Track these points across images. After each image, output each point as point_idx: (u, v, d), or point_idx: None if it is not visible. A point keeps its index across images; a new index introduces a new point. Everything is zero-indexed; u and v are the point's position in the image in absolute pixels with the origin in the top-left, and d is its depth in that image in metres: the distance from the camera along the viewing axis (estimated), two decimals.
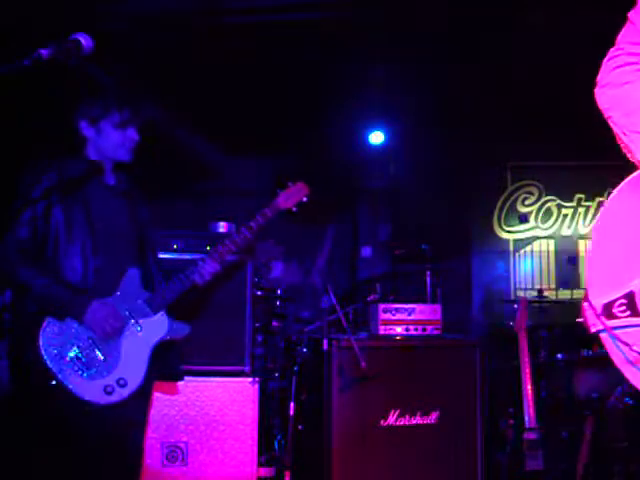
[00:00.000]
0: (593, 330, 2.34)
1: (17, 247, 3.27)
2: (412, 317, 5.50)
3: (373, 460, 5.18)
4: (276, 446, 5.86)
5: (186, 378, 4.80)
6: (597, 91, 2.45)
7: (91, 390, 3.26)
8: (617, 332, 2.28)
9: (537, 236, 8.12)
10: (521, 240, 8.14)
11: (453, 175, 8.00)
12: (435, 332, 5.55)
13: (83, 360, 3.29)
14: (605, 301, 2.32)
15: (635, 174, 2.39)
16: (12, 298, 3.56)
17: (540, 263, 8.08)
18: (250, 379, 4.92)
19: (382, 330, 5.44)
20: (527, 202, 8.15)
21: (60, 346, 3.26)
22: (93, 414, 3.27)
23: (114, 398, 3.30)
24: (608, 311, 2.31)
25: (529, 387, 5.32)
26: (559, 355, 5.89)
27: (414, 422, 5.28)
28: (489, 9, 5.59)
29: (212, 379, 4.86)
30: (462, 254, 8.02)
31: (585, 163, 7.61)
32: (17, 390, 3.45)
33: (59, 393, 3.23)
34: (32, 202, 3.31)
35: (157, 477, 4.71)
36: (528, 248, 8.12)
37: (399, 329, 5.47)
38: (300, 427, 5.62)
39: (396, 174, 8.31)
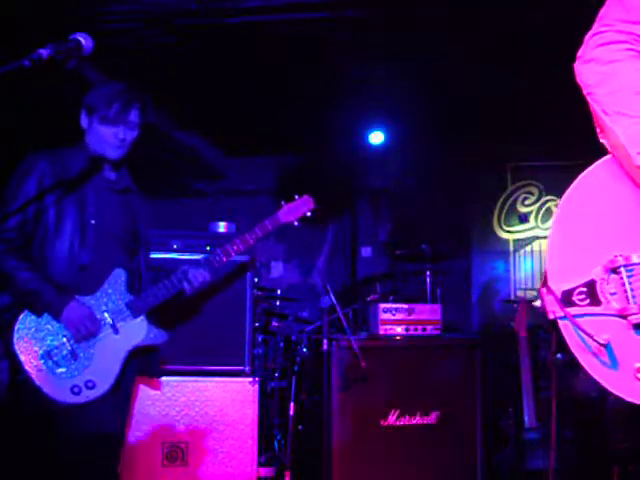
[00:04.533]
0: (552, 317, 2.33)
1: (3, 239, 3.24)
2: (412, 317, 5.50)
3: (373, 460, 5.18)
4: (276, 446, 5.87)
5: (186, 378, 4.82)
6: (579, 66, 2.37)
7: (58, 389, 3.24)
8: (578, 320, 2.28)
9: (537, 236, 8.13)
10: (521, 240, 8.14)
11: (453, 175, 8.02)
12: (435, 332, 5.54)
13: (54, 358, 3.26)
14: (565, 288, 2.32)
15: (601, 160, 2.43)
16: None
17: (540, 263, 8.08)
18: (250, 379, 4.91)
19: (382, 330, 5.44)
20: (527, 202, 8.15)
21: (33, 341, 3.24)
22: (59, 413, 3.25)
23: (80, 399, 3.26)
24: (567, 298, 2.31)
25: (529, 387, 5.32)
26: (559, 355, 5.89)
27: (414, 422, 5.28)
28: (489, 9, 5.58)
29: (212, 379, 4.85)
30: (462, 254, 8.03)
31: (585, 163, 7.60)
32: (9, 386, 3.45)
33: (27, 388, 3.22)
34: (22, 188, 3.28)
35: (157, 477, 4.70)
36: (528, 248, 8.12)
37: (399, 329, 5.47)
38: (300, 427, 5.62)
39: (396, 174, 8.32)
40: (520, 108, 7.06)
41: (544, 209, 8.10)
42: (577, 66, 2.37)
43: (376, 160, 8.28)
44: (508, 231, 8.15)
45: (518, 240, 8.15)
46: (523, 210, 8.15)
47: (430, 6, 5.59)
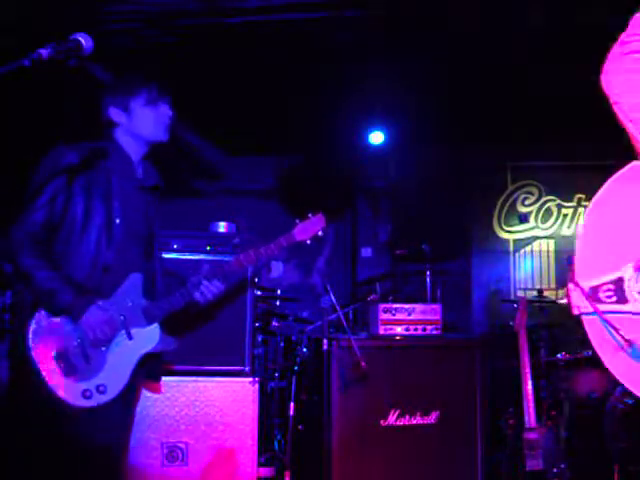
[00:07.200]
0: (576, 312, 2.31)
1: (27, 233, 3.17)
2: (412, 317, 5.50)
3: (373, 460, 5.18)
4: (276, 446, 5.87)
5: (186, 378, 4.82)
6: (605, 76, 2.35)
7: (69, 390, 3.20)
8: (607, 316, 2.26)
9: (537, 236, 8.14)
10: (521, 240, 8.15)
11: (453, 175, 8.03)
12: (435, 332, 5.54)
13: (68, 360, 3.23)
14: (592, 284, 2.30)
15: (633, 164, 2.37)
16: (13, 294, 3.50)
17: (540, 263, 8.08)
18: (250, 379, 4.91)
19: (382, 330, 5.44)
20: (527, 202, 8.16)
21: (48, 341, 3.20)
22: (68, 415, 3.23)
23: (90, 403, 3.22)
24: (594, 295, 2.28)
25: (529, 387, 5.32)
26: (559, 355, 5.89)
27: (414, 422, 5.28)
28: (488, 9, 5.58)
29: (212, 379, 4.85)
30: (462, 254, 8.03)
31: (585, 163, 7.62)
32: (11, 385, 3.43)
33: (38, 388, 3.20)
34: (50, 180, 3.23)
35: (157, 477, 4.70)
36: (528, 248, 8.13)
37: (399, 329, 5.47)
38: (300, 427, 5.62)
39: (396, 174, 8.32)
40: (521, 108, 7.06)
41: (544, 209, 8.11)
42: (603, 75, 2.36)
43: (376, 160, 8.29)
44: (508, 231, 8.15)
45: (518, 240, 8.16)
46: (523, 210, 8.15)
47: (430, 6, 5.60)
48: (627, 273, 2.26)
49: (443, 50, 6.14)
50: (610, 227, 2.33)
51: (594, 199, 2.38)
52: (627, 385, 2.27)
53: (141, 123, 3.49)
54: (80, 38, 2.43)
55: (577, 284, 2.31)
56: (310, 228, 3.88)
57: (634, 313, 2.25)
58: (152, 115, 3.49)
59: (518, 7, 5.50)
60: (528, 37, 5.86)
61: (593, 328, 2.30)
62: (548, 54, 6.05)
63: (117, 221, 3.37)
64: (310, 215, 3.90)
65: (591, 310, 2.29)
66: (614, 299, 2.27)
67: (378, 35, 6.07)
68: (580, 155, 7.70)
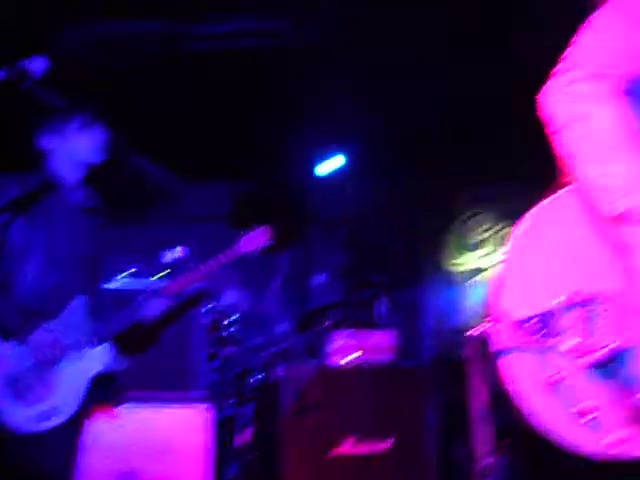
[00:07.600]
0: (497, 347, 2.12)
1: None
2: (365, 344, 5.50)
3: None
4: (230, 475, 5.81)
5: (140, 405, 4.77)
6: (547, 99, 2.10)
7: (21, 416, 3.19)
8: (526, 354, 2.10)
9: (490, 265, 8.18)
10: (474, 269, 8.19)
11: (407, 204, 8.08)
12: (389, 359, 5.55)
13: (18, 385, 3.22)
14: (517, 317, 2.12)
15: (563, 190, 2.27)
16: None
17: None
18: (204, 405, 4.87)
19: (335, 357, 5.44)
20: (481, 230, 8.21)
21: None
22: (17, 440, 3.20)
23: (42, 426, 3.22)
24: (520, 328, 2.11)
25: (482, 416, 5.34)
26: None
27: (368, 450, 5.27)
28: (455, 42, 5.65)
29: (166, 405, 4.81)
30: (415, 282, 8.06)
31: (543, 186, 7.69)
32: None
33: None
34: None
35: None
36: (481, 277, 8.17)
37: (352, 356, 5.46)
38: (253, 456, 5.58)
39: (351, 202, 8.36)
40: (472, 137, 7.14)
41: (498, 237, 8.17)
42: (545, 98, 2.10)
43: (331, 188, 8.32)
44: (461, 260, 8.20)
45: (471, 269, 8.20)
46: (477, 239, 8.21)
47: (392, 30, 5.65)
48: (555, 308, 2.11)
49: (396, 82, 6.20)
50: (541, 255, 2.21)
51: (524, 221, 2.29)
52: (544, 427, 2.08)
53: (76, 147, 3.55)
54: (33, 61, 2.43)
55: (502, 316, 2.13)
56: (255, 239, 3.88)
57: (559, 351, 2.10)
58: (86, 138, 3.55)
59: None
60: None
61: (515, 367, 2.12)
62: (512, 79, 6.10)
63: (59, 245, 3.39)
64: (254, 226, 3.90)
65: (517, 345, 2.11)
66: (540, 334, 2.10)
67: (331, 64, 6.12)
68: (537, 178, 7.76)
